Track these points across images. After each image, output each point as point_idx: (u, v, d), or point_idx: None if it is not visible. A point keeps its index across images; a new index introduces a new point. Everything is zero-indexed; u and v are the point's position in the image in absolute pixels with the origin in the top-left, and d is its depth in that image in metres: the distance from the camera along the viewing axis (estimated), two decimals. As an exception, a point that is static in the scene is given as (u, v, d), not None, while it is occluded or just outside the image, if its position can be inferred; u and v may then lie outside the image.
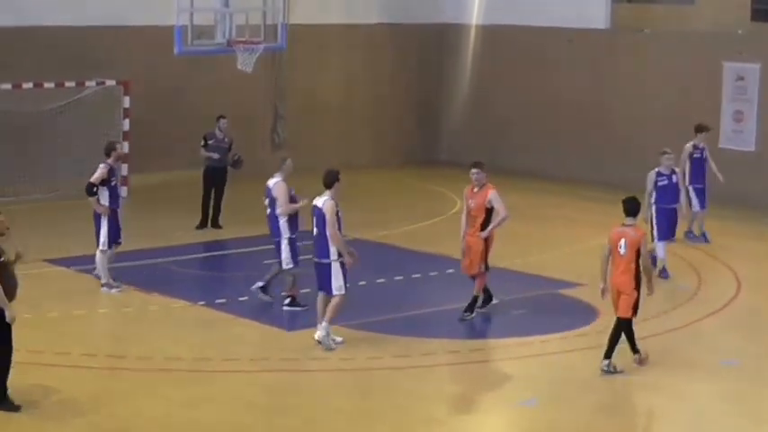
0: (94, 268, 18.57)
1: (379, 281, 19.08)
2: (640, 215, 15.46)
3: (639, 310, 15.18)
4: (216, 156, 22.57)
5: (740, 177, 22.81)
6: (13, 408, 13.31)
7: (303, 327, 16.57)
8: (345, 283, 15.69)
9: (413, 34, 30.89)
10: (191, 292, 18.60)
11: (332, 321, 15.78)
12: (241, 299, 17.99)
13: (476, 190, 17.08)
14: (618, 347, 15.13)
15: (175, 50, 21.41)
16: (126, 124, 25.80)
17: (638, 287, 15.01)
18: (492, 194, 16.97)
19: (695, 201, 21.88)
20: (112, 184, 18.29)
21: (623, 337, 15.20)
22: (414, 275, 19.67)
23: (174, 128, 26.87)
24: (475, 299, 17.28)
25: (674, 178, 19.62)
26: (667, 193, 19.50)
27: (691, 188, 21.83)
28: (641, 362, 15.33)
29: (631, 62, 28.01)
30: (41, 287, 17.78)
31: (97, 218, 18.25)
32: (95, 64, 25.75)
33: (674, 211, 19.63)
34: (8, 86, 24.51)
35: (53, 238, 21.46)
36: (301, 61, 28.59)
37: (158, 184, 26.41)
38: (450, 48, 31.23)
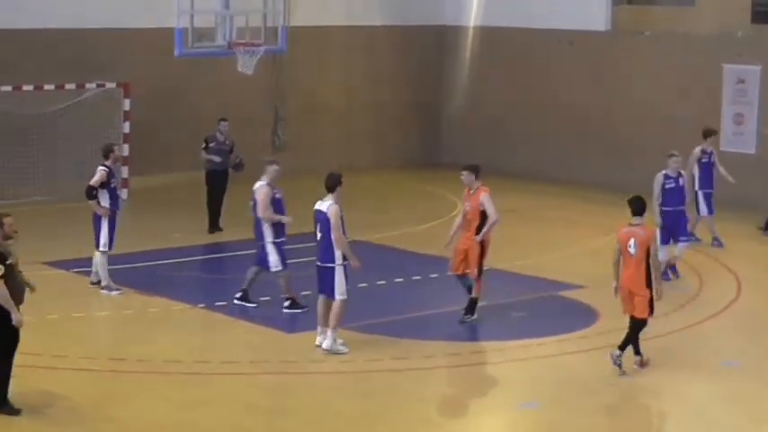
0: (90, 273, 18.58)
1: (379, 283, 19.07)
2: (646, 214, 15.42)
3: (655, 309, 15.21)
4: (217, 159, 22.54)
5: (740, 179, 22.77)
6: (13, 411, 13.29)
7: (303, 329, 16.56)
8: (347, 287, 15.69)
9: (413, 36, 30.89)
10: (191, 295, 18.59)
11: (336, 328, 15.76)
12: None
13: (471, 192, 17.09)
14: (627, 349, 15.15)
15: (176, 53, 21.40)
16: (126, 126, 25.80)
17: (649, 286, 15.03)
18: (483, 197, 16.95)
19: (703, 206, 21.80)
20: (112, 186, 18.30)
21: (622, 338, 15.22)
22: (414, 277, 19.65)
23: (175, 130, 26.87)
24: (474, 301, 17.26)
25: (681, 181, 19.50)
26: (674, 196, 19.36)
27: (700, 193, 21.75)
28: (642, 364, 15.32)
29: (632, 64, 28.01)
30: (41, 289, 17.68)
31: (97, 220, 18.25)
32: (96, 66, 25.75)
33: (681, 213, 19.47)
34: (8, 88, 24.51)
35: (53, 240, 21.45)
36: (302, 63, 28.58)
37: (159, 186, 26.40)
38: (451, 49, 31.23)
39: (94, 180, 18.10)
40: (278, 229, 17.53)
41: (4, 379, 13.28)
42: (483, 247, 17.02)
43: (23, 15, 25.20)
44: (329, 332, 15.69)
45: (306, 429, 13.52)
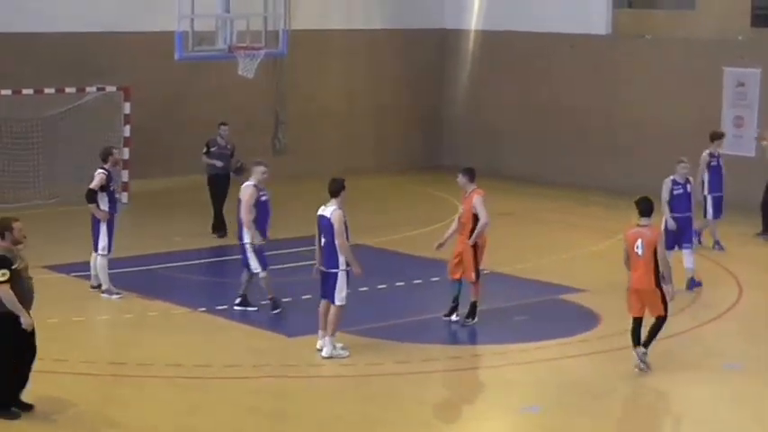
0: (90, 277, 18.57)
1: (380, 286, 19.05)
2: (654, 215, 15.40)
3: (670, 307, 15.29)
4: (219, 163, 22.50)
5: (741, 182, 22.76)
6: (13, 415, 13.28)
7: (304, 333, 16.53)
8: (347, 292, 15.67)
9: (413, 40, 30.89)
10: (191, 299, 18.57)
11: (334, 333, 15.74)
12: (242, 305, 17.99)
13: (466, 196, 17.10)
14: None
15: (176, 56, 21.40)
16: (126, 130, 25.80)
17: (658, 284, 15.05)
18: (476, 200, 16.95)
19: (711, 209, 21.73)
20: (111, 189, 18.30)
21: (626, 339, 15.23)
22: (415, 281, 19.64)
23: (175, 134, 26.86)
24: (474, 304, 17.25)
25: (689, 187, 19.36)
26: (681, 202, 19.22)
27: (709, 197, 21.68)
28: (643, 368, 15.31)
29: (632, 68, 28.01)
30: (41, 293, 17.68)
31: (96, 223, 18.24)
32: (96, 70, 25.75)
33: (688, 220, 19.33)
34: (8, 92, 24.51)
35: (53, 244, 21.41)
36: (302, 67, 28.58)
37: (159, 189, 26.40)
38: (451, 53, 31.23)
39: (94, 183, 18.09)
40: (258, 230, 17.49)
41: (11, 380, 13.26)
42: (476, 249, 17.00)
43: (24, 19, 25.21)
44: (327, 339, 15.67)
45: (307, 433, 13.53)
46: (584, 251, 22.09)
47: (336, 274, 15.50)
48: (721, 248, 21.94)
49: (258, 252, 17.49)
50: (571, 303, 18.66)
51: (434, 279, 19.39)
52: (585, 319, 17.70)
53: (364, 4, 30.32)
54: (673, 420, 14.45)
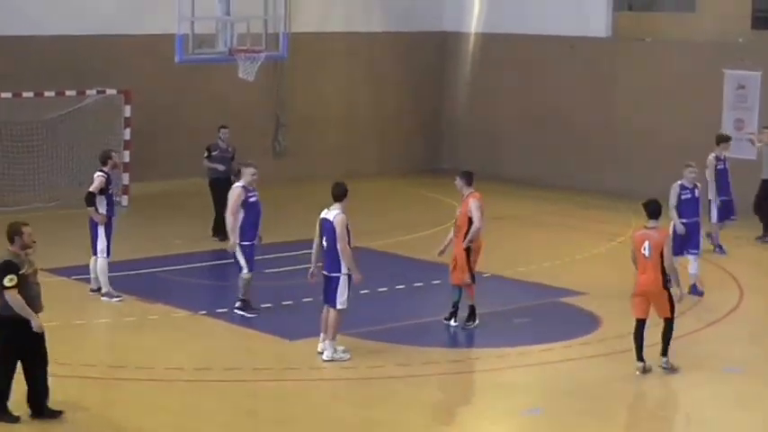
0: (90, 280, 18.56)
1: (380, 290, 19.03)
2: (661, 219, 15.39)
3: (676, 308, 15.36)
4: (221, 167, 22.46)
5: (742, 185, 22.73)
6: (12, 419, 13.28)
7: (305, 336, 16.52)
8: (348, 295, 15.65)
9: (414, 42, 30.88)
10: (192, 302, 18.54)
11: (335, 337, 15.72)
12: (242, 308, 17.97)
13: (463, 199, 17.10)
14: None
15: (176, 59, 21.38)
16: (127, 133, 25.79)
17: (665, 286, 15.08)
18: (471, 203, 16.96)
19: (715, 213, 21.65)
20: (110, 192, 18.30)
21: (629, 341, 15.24)
22: (416, 284, 19.62)
23: (175, 137, 26.86)
24: (472, 307, 17.24)
25: (697, 192, 19.21)
26: (689, 207, 19.07)
27: (718, 201, 21.58)
28: (644, 371, 15.29)
29: (632, 70, 27.99)
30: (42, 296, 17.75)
31: (94, 226, 18.23)
32: (96, 73, 25.74)
33: (696, 225, 19.20)
34: (8, 95, 24.49)
35: (53, 247, 21.32)
36: (303, 70, 28.57)
37: (159, 192, 26.38)
38: (452, 55, 31.22)
39: (94, 186, 18.10)
40: (247, 231, 17.49)
41: (10, 384, 13.29)
42: (469, 252, 16.98)
43: (24, 22, 25.19)
44: (327, 343, 15.65)
45: (307, 437, 13.52)
46: (585, 254, 22.07)
47: (338, 278, 15.46)
48: (722, 252, 21.91)
49: (247, 252, 17.48)
50: (572, 306, 18.65)
51: (435, 282, 19.37)
52: (586, 322, 17.69)
53: (364, 7, 30.31)
54: (673, 423, 14.43)
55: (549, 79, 29.23)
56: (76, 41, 25.76)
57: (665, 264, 15.04)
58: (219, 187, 22.53)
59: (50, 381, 13.57)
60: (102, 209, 18.15)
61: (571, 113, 28.83)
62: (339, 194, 15.51)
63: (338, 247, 15.33)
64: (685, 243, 19.02)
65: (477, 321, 17.23)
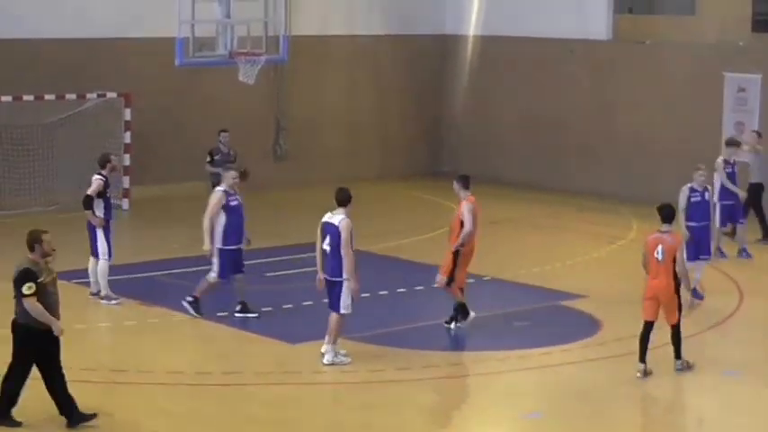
0: (90, 284, 18.54)
1: (381, 293, 19.03)
2: (674, 223, 15.38)
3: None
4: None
5: (741, 187, 22.71)
6: (14, 424, 13.28)
7: (305, 340, 16.51)
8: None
9: (414, 45, 30.89)
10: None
11: (336, 341, 15.71)
12: (242, 311, 17.95)
13: (460, 202, 17.12)
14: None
15: (177, 62, 21.36)
16: (127, 137, 25.80)
17: (677, 291, 15.11)
18: (464, 207, 16.96)
19: (719, 217, 21.56)
20: (107, 195, 18.30)
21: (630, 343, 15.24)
22: (417, 287, 19.61)
23: (176, 140, 26.86)
24: (461, 306, 17.23)
25: (707, 195, 19.09)
26: (699, 210, 18.89)
27: (719, 204, 21.45)
28: (645, 373, 15.28)
29: (632, 73, 27.99)
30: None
31: (92, 230, 18.23)
32: (96, 76, 25.75)
33: (706, 229, 19.06)
34: (9, 99, 24.50)
35: (54, 250, 21.37)
36: (303, 73, 28.57)
37: (159, 196, 26.37)
38: (452, 59, 31.22)
39: (92, 189, 18.10)
40: (229, 236, 17.46)
41: (18, 390, 13.31)
42: (456, 256, 16.96)
43: (24, 26, 25.19)
44: (329, 347, 15.64)
45: (308, 440, 13.51)
46: (585, 257, 22.07)
47: (341, 282, 15.43)
48: (723, 255, 21.88)
49: (224, 257, 17.43)
50: (572, 309, 18.64)
51: (436, 286, 19.34)
52: (586, 326, 17.68)
53: (365, 10, 30.31)
54: (673, 426, 14.41)
55: (550, 82, 29.22)
56: (77, 45, 25.76)
57: (678, 269, 15.02)
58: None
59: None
60: (100, 212, 18.15)
61: (571, 116, 28.82)
62: (343, 199, 15.48)
63: (342, 251, 15.29)
64: (699, 248, 18.84)
65: (471, 314, 17.16)
